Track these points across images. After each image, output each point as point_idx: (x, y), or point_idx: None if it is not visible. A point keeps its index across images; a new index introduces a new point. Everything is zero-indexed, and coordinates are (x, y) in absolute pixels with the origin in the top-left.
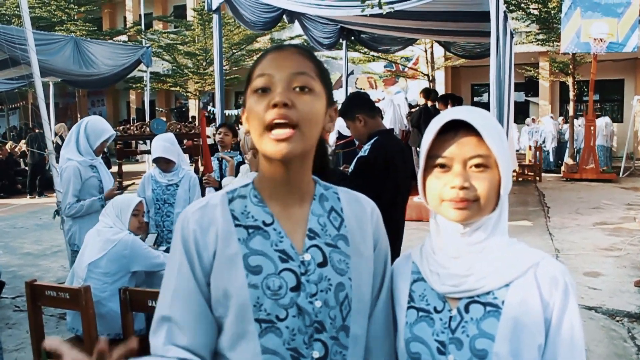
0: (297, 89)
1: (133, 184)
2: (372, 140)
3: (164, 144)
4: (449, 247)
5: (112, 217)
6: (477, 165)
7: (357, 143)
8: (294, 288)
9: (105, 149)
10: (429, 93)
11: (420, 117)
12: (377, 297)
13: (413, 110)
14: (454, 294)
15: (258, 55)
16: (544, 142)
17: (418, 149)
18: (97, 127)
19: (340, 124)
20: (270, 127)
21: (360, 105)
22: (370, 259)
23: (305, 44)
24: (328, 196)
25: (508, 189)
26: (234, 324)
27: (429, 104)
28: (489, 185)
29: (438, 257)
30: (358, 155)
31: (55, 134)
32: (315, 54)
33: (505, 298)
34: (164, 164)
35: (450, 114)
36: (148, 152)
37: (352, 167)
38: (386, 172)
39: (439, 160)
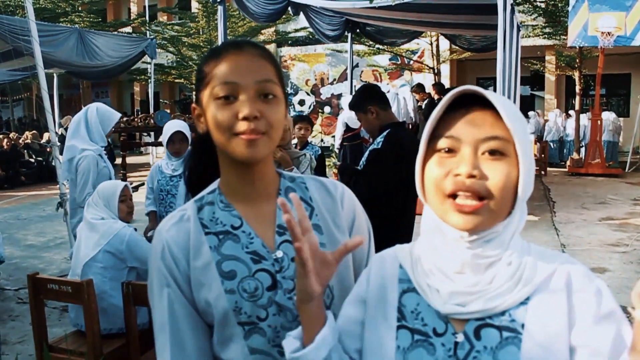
0: (262, 97)
1: (142, 184)
2: (385, 133)
3: (179, 122)
4: (451, 259)
5: (101, 207)
6: (491, 152)
7: (362, 136)
8: (271, 287)
9: (110, 140)
10: (441, 87)
11: (428, 110)
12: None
13: (420, 102)
14: (459, 315)
15: (210, 51)
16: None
17: None
18: (107, 111)
19: (347, 116)
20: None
21: (372, 98)
22: None
23: (311, 36)
24: (295, 187)
25: (528, 189)
26: (220, 329)
27: (436, 97)
28: (505, 178)
29: (436, 269)
30: (371, 148)
31: (61, 126)
32: (321, 46)
33: (524, 320)
34: (178, 142)
35: (462, 87)
36: (152, 144)
37: (364, 160)
38: (399, 165)
39: (443, 142)
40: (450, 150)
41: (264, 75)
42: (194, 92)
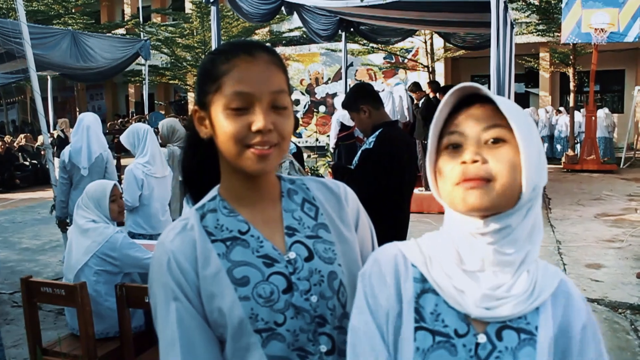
0: (274, 108)
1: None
2: (377, 132)
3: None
4: (472, 256)
5: (92, 209)
6: (494, 140)
7: (357, 135)
8: (286, 290)
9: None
10: (436, 85)
11: (425, 109)
12: None
13: (417, 101)
14: (487, 319)
15: (218, 52)
16: None
17: (424, 141)
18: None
19: (342, 115)
20: (249, 145)
21: (364, 97)
22: (355, 241)
23: (305, 36)
24: (296, 189)
25: (535, 174)
26: (235, 339)
27: (432, 95)
28: (507, 160)
29: (458, 269)
30: (362, 148)
31: (57, 128)
32: (316, 45)
33: (537, 323)
34: None
35: (461, 84)
36: None
37: (356, 160)
38: (392, 164)
39: (448, 139)
40: (457, 146)
41: (277, 85)
42: (193, 93)
